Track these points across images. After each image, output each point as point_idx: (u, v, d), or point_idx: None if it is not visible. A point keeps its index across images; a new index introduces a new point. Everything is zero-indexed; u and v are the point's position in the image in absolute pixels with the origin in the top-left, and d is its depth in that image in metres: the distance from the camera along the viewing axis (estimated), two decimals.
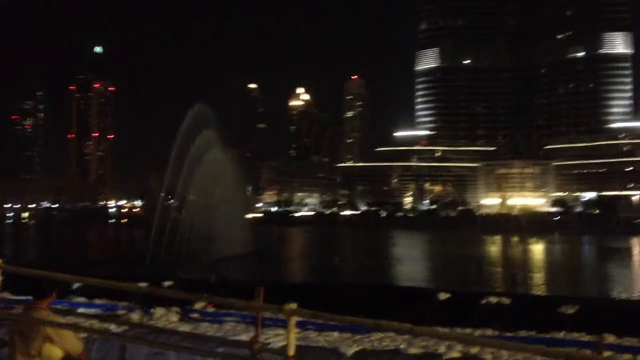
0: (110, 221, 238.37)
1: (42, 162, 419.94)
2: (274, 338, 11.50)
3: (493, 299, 19.00)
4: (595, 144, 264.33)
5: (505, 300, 18.98)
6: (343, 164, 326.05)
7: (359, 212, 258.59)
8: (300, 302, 5.34)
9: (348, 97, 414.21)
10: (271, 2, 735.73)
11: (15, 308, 8.62)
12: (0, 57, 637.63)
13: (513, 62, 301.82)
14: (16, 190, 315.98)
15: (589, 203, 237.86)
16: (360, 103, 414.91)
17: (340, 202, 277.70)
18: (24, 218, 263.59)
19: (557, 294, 41.96)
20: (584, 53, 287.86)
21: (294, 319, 5.16)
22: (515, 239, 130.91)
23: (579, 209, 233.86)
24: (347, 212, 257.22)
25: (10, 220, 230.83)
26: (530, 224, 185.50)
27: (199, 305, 16.74)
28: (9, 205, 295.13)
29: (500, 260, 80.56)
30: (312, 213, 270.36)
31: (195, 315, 15.69)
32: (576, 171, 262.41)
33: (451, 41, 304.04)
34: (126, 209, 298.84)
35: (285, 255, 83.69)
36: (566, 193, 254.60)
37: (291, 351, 5.10)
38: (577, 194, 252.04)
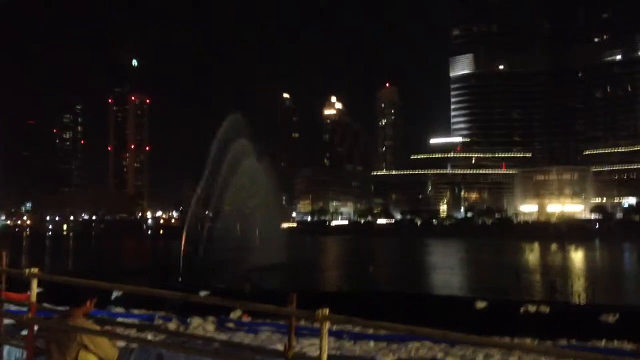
0: (147, 232, 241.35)
1: (80, 174, 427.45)
2: (309, 347, 11.44)
3: (532, 308, 18.67)
4: (634, 148, 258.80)
5: (545, 309, 18.63)
6: (377, 172, 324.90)
7: (394, 220, 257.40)
8: (334, 310, 5.28)
9: (381, 105, 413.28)
10: (300, 13, 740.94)
11: (53, 318, 8.73)
12: (38, 71, 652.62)
13: (548, 66, 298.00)
14: (55, 203, 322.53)
15: (629, 209, 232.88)
16: (393, 111, 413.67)
17: (375, 211, 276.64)
18: (63, 230, 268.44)
19: (597, 302, 41.06)
20: (621, 56, 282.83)
21: (327, 325, 5.12)
22: (554, 246, 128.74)
23: (619, 215, 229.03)
24: (382, 221, 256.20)
25: (50, 233, 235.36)
26: (569, 231, 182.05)
27: (234, 315, 16.78)
28: (49, 217, 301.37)
29: (538, 267, 79.20)
30: (346, 222, 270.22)
31: (231, 325, 15.73)
32: (615, 177, 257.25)
33: (484, 47, 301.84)
34: (163, 220, 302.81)
35: (320, 264, 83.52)
36: (606, 199, 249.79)
37: (324, 357, 5.06)
38: (617, 200, 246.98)
